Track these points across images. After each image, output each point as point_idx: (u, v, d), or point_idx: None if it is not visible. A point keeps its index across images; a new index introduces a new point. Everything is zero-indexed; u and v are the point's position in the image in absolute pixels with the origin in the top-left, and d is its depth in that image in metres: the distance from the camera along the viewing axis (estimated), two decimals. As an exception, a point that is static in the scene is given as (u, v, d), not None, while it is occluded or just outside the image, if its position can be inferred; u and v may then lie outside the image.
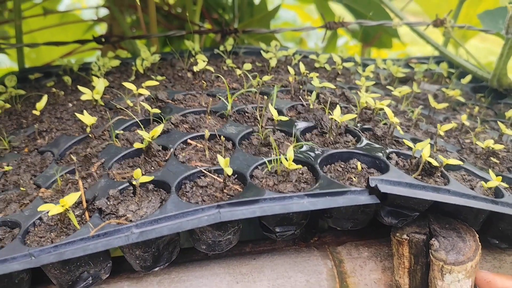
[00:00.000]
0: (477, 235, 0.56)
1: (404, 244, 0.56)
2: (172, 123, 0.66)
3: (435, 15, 1.55)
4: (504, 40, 0.91)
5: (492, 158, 0.69)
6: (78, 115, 0.63)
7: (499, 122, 0.78)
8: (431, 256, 0.54)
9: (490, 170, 0.60)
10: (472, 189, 0.59)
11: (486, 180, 0.59)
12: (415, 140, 0.68)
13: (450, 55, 1.04)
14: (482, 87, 1.04)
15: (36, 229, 0.52)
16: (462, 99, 0.89)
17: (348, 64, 0.89)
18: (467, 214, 0.58)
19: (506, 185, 0.60)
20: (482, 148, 0.68)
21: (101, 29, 2.12)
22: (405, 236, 0.56)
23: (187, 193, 0.53)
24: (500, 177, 0.58)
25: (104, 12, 2.04)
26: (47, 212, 0.53)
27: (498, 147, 0.67)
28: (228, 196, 0.52)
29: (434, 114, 0.84)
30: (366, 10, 1.40)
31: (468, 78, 0.98)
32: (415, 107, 0.85)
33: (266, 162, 0.56)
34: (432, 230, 0.57)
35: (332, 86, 0.74)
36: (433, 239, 0.55)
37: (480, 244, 0.55)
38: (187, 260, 0.61)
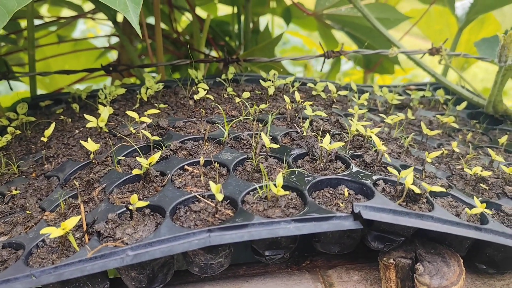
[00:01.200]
0: (462, 260, 0.58)
1: (391, 268, 0.58)
2: (171, 150, 0.69)
3: (436, 40, 1.58)
4: (498, 67, 0.94)
5: (481, 185, 0.71)
6: (83, 143, 0.67)
7: (489, 149, 0.80)
8: (415, 280, 0.56)
9: (475, 197, 0.62)
10: (458, 215, 0.61)
11: (472, 207, 0.61)
12: (405, 167, 0.70)
13: (446, 82, 1.06)
14: (478, 113, 1.06)
15: (39, 250, 0.55)
16: (456, 126, 0.92)
17: (343, 92, 0.93)
18: (452, 240, 0.60)
19: (490, 212, 0.61)
20: (471, 174, 0.70)
21: (112, 55, 2.20)
22: (391, 261, 0.58)
23: (181, 218, 0.55)
24: (485, 204, 0.60)
25: (115, 39, 2.11)
26: (49, 235, 0.56)
27: (486, 173, 0.69)
28: (220, 221, 0.54)
29: (428, 140, 0.86)
30: (367, 37, 1.44)
31: (463, 105, 1.00)
32: (409, 133, 0.88)
33: (258, 188, 0.59)
34: (417, 254, 0.59)
35: (324, 114, 0.77)
36: (418, 263, 0.57)
37: (464, 269, 0.57)
38: (182, 282, 0.64)
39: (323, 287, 0.63)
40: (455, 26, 1.39)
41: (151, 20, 1.74)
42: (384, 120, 0.84)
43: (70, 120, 0.86)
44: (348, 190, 0.60)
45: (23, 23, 1.86)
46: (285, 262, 0.67)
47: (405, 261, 0.58)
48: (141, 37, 0.78)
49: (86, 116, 0.74)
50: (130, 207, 0.53)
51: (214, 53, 1.69)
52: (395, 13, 1.43)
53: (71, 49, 1.93)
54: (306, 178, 0.62)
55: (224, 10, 1.98)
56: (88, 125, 0.73)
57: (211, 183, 0.54)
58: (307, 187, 0.59)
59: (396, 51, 1.04)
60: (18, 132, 0.84)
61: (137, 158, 0.62)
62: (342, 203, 0.58)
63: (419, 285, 0.55)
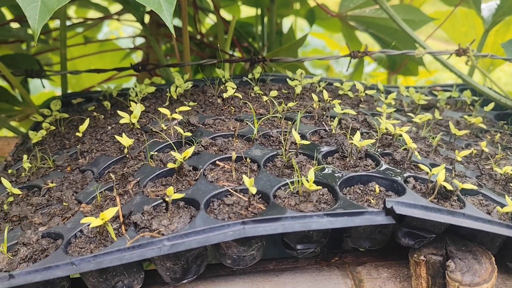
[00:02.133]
0: (493, 258, 0.58)
1: (421, 265, 0.59)
2: (202, 146, 0.71)
3: (462, 42, 1.57)
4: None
5: (511, 184, 0.71)
6: (117, 137, 0.69)
7: (519, 149, 0.79)
8: (447, 277, 0.56)
9: (506, 196, 0.62)
10: (489, 213, 0.61)
11: (502, 205, 0.61)
12: (434, 166, 0.70)
13: (473, 83, 1.06)
14: (506, 114, 1.05)
15: (77, 240, 0.57)
16: (484, 126, 0.91)
17: (371, 92, 0.93)
18: (483, 237, 0.60)
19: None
20: (501, 174, 0.70)
21: (137, 56, 2.23)
22: (422, 257, 0.58)
23: (214, 210, 0.57)
24: (517, 202, 0.60)
25: (140, 40, 2.15)
26: (87, 225, 0.58)
27: (517, 173, 0.69)
28: (252, 214, 0.55)
29: (455, 140, 0.86)
30: (392, 38, 1.44)
31: (491, 106, 0.99)
32: (436, 133, 0.87)
33: (289, 183, 0.60)
34: (448, 251, 0.59)
35: (353, 112, 0.77)
36: (449, 260, 0.57)
37: (496, 267, 0.57)
38: (213, 275, 0.65)
39: (352, 283, 0.63)
40: (481, 28, 1.37)
41: (176, 22, 1.77)
42: (412, 119, 0.84)
43: (102, 116, 0.88)
44: (379, 187, 0.60)
45: (52, 24, 1.91)
46: (314, 258, 0.68)
47: (436, 258, 0.58)
48: (173, 36, 0.80)
49: (119, 112, 0.76)
50: (166, 199, 0.55)
51: (237, 54, 1.70)
52: (420, 14, 1.42)
53: (96, 50, 1.97)
54: (336, 175, 0.62)
55: (247, 12, 2.00)
56: (121, 121, 0.75)
57: (244, 177, 0.56)
58: (338, 183, 0.60)
59: (422, 52, 1.04)
60: (53, 128, 0.86)
61: (172, 153, 0.64)
62: (373, 199, 0.59)
63: (450, 281, 0.55)
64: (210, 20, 1.91)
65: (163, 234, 0.53)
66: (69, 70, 1.08)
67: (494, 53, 1.53)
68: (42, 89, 2.18)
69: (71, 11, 2.18)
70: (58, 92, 2.12)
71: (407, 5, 1.53)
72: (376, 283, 0.64)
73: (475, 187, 0.60)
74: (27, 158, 0.79)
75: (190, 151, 0.62)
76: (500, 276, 0.65)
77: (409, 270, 0.64)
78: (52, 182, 0.72)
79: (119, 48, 1.98)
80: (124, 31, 3.13)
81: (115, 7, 2.05)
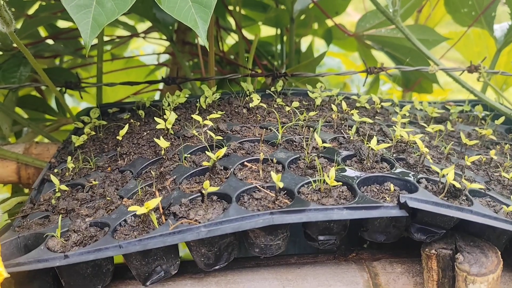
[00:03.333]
0: (499, 252, 0.63)
1: (433, 258, 0.64)
2: (231, 149, 0.78)
3: (475, 62, 1.63)
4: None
5: (518, 189, 0.76)
6: (156, 140, 0.76)
7: (526, 158, 0.84)
8: (456, 268, 0.61)
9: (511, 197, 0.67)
10: (496, 213, 0.66)
11: (508, 205, 0.66)
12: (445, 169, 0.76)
13: (484, 97, 1.11)
14: (516, 128, 1.10)
15: (122, 228, 0.64)
16: (494, 138, 0.96)
17: (386, 104, 0.99)
18: (490, 234, 0.65)
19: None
20: (508, 179, 0.75)
21: (160, 73, 2.34)
22: (433, 251, 0.64)
23: (245, 203, 0.63)
24: (522, 203, 0.65)
25: (163, 58, 2.26)
26: (131, 215, 0.65)
27: (524, 178, 0.74)
28: (279, 207, 0.62)
29: (466, 150, 0.92)
30: (406, 57, 1.50)
31: (502, 119, 1.05)
32: (448, 143, 0.93)
33: (312, 181, 0.66)
34: (457, 246, 0.64)
35: (370, 121, 0.84)
36: (458, 253, 0.63)
37: (501, 260, 0.62)
38: (240, 267, 0.71)
39: (368, 276, 0.69)
40: (494, 48, 1.43)
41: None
42: (425, 129, 0.90)
43: (138, 123, 0.96)
44: (393, 186, 0.66)
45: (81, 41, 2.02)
46: (333, 253, 0.73)
47: (446, 252, 0.63)
48: (200, 51, 0.88)
49: (155, 118, 0.84)
50: (203, 191, 0.62)
51: (258, 71, 1.79)
52: (434, 34, 1.49)
53: (121, 67, 2.07)
54: (354, 175, 0.69)
55: (265, 31, 2.09)
56: (158, 126, 0.83)
57: (272, 173, 0.62)
58: (356, 182, 0.66)
59: (436, 68, 1.10)
60: (93, 133, 0.95)
61: (206, 152, 0.71)
62: (388, 197, 0.65)
63: (459, 272, 0.61)
64: (230, 40, 2.01)
65: (199, 222, 0.59)
66: (105, 83, 1.17)
67: (508, 72, 1.58)
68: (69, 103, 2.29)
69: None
70: (82, 107, 2.23)
71: (421, 26, 1.60)
72: (390, 277, 0.69)
73: (482, 187, 0.66)
74: (71, 160, 0.87)
75: (222, 151, 0.69)
76: (507, 274, 0.70)
77: (421, 266, 0.69)
78: (94, 180, 0.80)
79: (143, 65, 2.09)
80: (144, 50, 3.26)
81: (142, 26, 2.16)
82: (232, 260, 0.66)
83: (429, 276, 0.65)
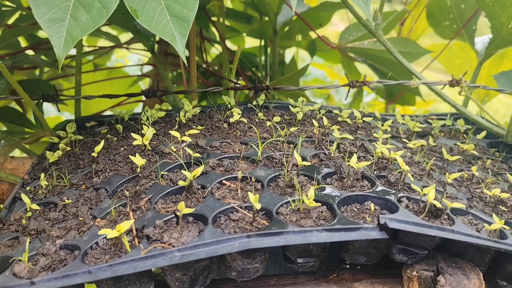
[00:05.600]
0: (481, 274, 0.62)
1: (414, 280, 0.63)
2: (210, 166, 0.76)
3: (457, 74, 1.64)
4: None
5: (500, 206, 0.75)
6: (131, 157, 0.74)
7: (508, 174, 0.84)
8: (437, 290, 0.60)
9: (494, 214, 0.66)
10: (478, 231, 0.65)
11: (491, 224, 0.66)
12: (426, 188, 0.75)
13: (466, 112, 1.11)
14: (498, 142, 1.10)
15: (93, 251, 0.61)
16: (476, 153, 0.96)
17: (368, 119, 0.98)
18: (473, 254, 0.64)
19: (509, 228, 0.65)
20: (490, 196, 0.74)
21: (144, 83, 2.31)
22: (414, 273, 0.63)
23: (221, 225, 0.61)
24: (503, 220, 0.64)
25: (147, 68, 2.23)
26: (103, 238, 0.62)
27: (505, 195, 0.74)
28: (257, 229, 0.60)
29: (448, 166, 0.91)
30: (389, 69, 1.51)
31: (483, 134, 1.05)
32: (430, 159, 0.92)
33: (290, 201, 0.64)
34: (439, 268, 0.63)
35: (351, 137, 0.83)
36: (439, 276, 0.61)
37: (484, 282, 0.61)
38: (217, 289, 0.69)
39: (349, 298, 0.67)
40: (475, 60, 1.44)
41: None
42: (407, 145, 0.89)
43: (115, 139, 0.93)
44: (374, 206, 0.65)
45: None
46: (313, 274, 0.72)
47: (428, 274, 0.62)
48: (185, 64, 0.86)
49: (132, 134, 0.82)
50: (177, 213, 0.60)
51: (241, 83, 1.77)
52: (416, 47, 1.50)
53: (105, 77, 2.04)
54: (334, 194, 0.67)
55: (249, 43, 2.08)
56: (134, 142, 0.80)
57: (249, 193, 0.60)
58: (336, 202, 0.65)
59: (417, 82, 1.10)
60: (68, 148, 0.92)
61: (182, 171, 0.69)
62: (368, 217, 0.63)
63: (441, 295, 0.59)
64: (215, 50, 1.99)
65: (173, 246, 0.57)
66: (83, 95, 1.14)
67: (489, 85, 1.60)
68: (48, 114, 2.25)
69: (83, 39, 2.27)
70: (64, 117, 2.19)
71: (404, 38, 1.61)
72: (372, 298, 0.68)
73: (463, 206, 0.65)
74: (44, 177, 0.84)
75: (199, 170, 0.67)
76: (490, 294, 0.69)
77: (403, 286, 0.67)
78: (68, 199, 0.77)
79: (127, 75, 2.06)
80: (130, 59, 3.23)
81: (125, 36, 2.14)
82: (210, 281, 0.64)
83: (410, 298, 0.63)
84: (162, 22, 0.77)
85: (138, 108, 2.15)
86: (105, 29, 1.86)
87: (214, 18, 1.63)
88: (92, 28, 0.74)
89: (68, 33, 0.72)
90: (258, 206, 0.59)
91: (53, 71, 1.83)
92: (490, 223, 0.66)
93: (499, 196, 0.73)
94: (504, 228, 0.64)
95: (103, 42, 2.11)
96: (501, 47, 1.36)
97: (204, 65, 1.78)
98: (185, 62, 0.75)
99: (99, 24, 0.74)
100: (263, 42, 1.75)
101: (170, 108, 1.42)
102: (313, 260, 0.62)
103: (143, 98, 1.70)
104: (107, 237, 0.58)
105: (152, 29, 0.76)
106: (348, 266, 0.77)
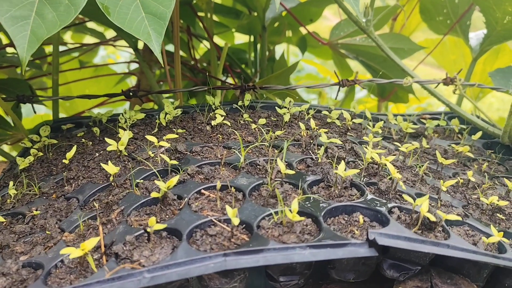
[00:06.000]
0: (479, 291, 0.57)
1: (406, 298, 0.58)
2: (188, 174, 0.71)
3: (451, 70, 1.59)
4: (513, 98, 0.95)
5: (498, 214, 0.71)
6: (103, 165, 0.69)
7: (505, 179, 0.79)
8: (431, 310, 0.55)
9: (492, 226, 0.62)
10: (475, 244, 0.61)
11: (489, 236, 0.61)
12: (420, 195, 0.70)
13: (460, 111, 1.07)
14: (494, 143, 1.06)
15: (57, 271, 0.56)
16: (471, 155, 0.92)
17: (358, 120, 0.94)
18: (470, 269, 0.59)
19: (508, 241, 0.61)
20: (487, 204, 0.70)
21: (131, 81, 2.25)
22: (407, 290, 0.58)
23: (197, 241, 0.56)
24: (502, 233, 0.60)
25: (135, 65, 2.17)
26: (69, 255, 0.57)
27: (503, 203, 0.69)
28: (235, 245, 0.55)
29: (443, 169, 0.86)
30: (382, 66, 1.46)
31: (479, 134, 1.00)
32: (424, 162, 0.88)
33: (273, 213, 0.59)
34: (433, 284, 0.58)
35: (339, 142, 0.78)
36: (434, 293, 0.57)
37: (481, 300, 0.56)
38: (196, 307, 0.64)
39: (337, 315, 0.63)
40: (470, 56, 1.40)
41: (170, 47, 1.79)
42: (399, 149, 0.85)
43: (91, 143, 0.88)
44: (363, 217, 0.60)
45: (47, 49, 1.93)
46: (299, 288, 0.67)
47: (421, 291, 0.58)
48: (162, 65, 0.81)
49: (106, 139, 0.76)
50: (148, 230, 0.55)
51: (230, 80, 1.72)
52: (409, 43, 1.45)
53: (92, 75, 1.98)
54: (321, 205, 0.62)
55: (240, 38, 2.03)
56: (108, 148, 0.75)
57: (227, 207, 0.55)
58: (322, 214, 0.60)
59: (410, 81, 1.05)
60: (40, 154, 0.86)
61: (156, 182, 0.64)
62: (357, 230, 0.58)
63: (435, 315, 0.55)
64: (204, 46, 1.94)
65: (143, 266, 0.52)
66: (61, 96, 1.09)
67: (484, 81, 1.55)
68: (39, 111, 2.18)
69: (67, 36, 2.20)
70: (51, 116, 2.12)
71: (396, 34, 1.56)
72: (362, 315, 0.63)
73: (459, 218, 0.60)
74: (13, 185, 0.78)
75: (174, 180, 0.62)
76: (487, 309, 0.64)
77: (395, 302, 0.63)
78: (36, 210, 0.71)
79: (114, 73, 2.00)
80: (121, 55, 3.16)
81: (111, 33, 2.08)
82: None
83: (402, 316, 0.59)
84: (137, 20, 0.71)
85: (126, 106, 2.09)
86: (91, 25, 1.80)
87: (201, 14, 1.57)
88: (59, 26, 0.68)
89: (32, 32, 0.66)
90: (236, 221, 0.54)
91: (36, 69, 1.77)
92: (487, 234, 0.62)
93: (497, 204, 0.69)
94: (503, 241, 0.60)
95: (89, 39, 2.04)
96: (496, 43, 1.31)
97: (192, 62, 1.72)
98: (161, 61, 0.69)
99: (67, 22, 0.69)
100: (252, 38, 1.70)
101: (156, 107, 1.37)
102: (297, 278, 0.57)
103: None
104: (70, 257, 0.53)
105: (125, 27, 0.71)
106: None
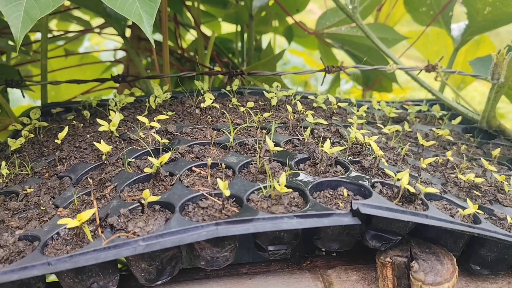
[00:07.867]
0: (455, 259, 0.61)
1: (388, 267, 0.61)
2: (179, 153, 0.73)
3: (434, 61, 1.63)
4: (491, 85, 0.99)
5: (474, 191, 0.75)
6: (96, 144, 0.70)
7: (482, 159, 0.83)
8: (411, 277, 0.59)
9: (468, 199, 0.66)
10: (452, 216, 0.64)
11: (465, 209, 0.65)
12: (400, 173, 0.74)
13: (441, 97, 1.11)
14: (472, 128, 1.10)
15: (53, 242, 0.58)
16: (451, 139, 0.96)
17: (343, 104, 0.97)
18: (447, 239, 0.63)
19: (482, 213, 0.65)
20: (464, 181, 0.74)
21: (117, 70, 2.25)
22: (388, 259, 0.61)
23: (189, 213, 0.59)
24: (477, 205, 0.64)
25: (121, 54, 2.17)
26: (64, 228, 0.59)
27: (479, 180, 0.73)
28: (226, 216, 0.57)
29: (423, 151, 0.90)
30: (366, 55, 1.49)
31: (458, 119, 1.04)
32: (406, 144, 0.91)
33: (262, 187, 0.62)
34: (413, 253, 0.62)
35: (325, 122, 0.81)
36: (413, 261, 0.60)
37: (457, 267, 0.60)
38: (188, 279, 0.66)
39: (322, 286, 0.66)
40: (452, 47, 1.44)
41: (157, 37, 1.79)
42: (382, 130, 0.88)
43: (81, 125, 0.89)
44: (347, 191, 0.63)
45: (33, 36, 1.91)
46: (286, 262, 0.70)
47: (401, 260, 0.61)
48: (154, 48, 0.83)
49: (98, 120, 0.78)
50: (142, 202, 0.57)
51: (217, 69, 1.74)
52: (393, 33, 1.49)
53: (77, 63, 1.98)
54: (307, 180, 0.65)
55: (227, 28, 2.04)
56: (100, 129, 0.77)
57: (218, 180, 0.58)
58: (309, 188, 0.63)
59: (394, 67, 1.08)
60: (31, 135, 0.87)
61: (149, 158, 0.66)
62: (341, 202, 0.61)
63: (414, 281, 0.58)
64: (191, 36, 1.95)
65: (138, 235, 0.54)
66: (50, 81, 1.09)
67: (465, 71, 1.60)
68: (20, 102, 2.17)
69: (53, 24, 2.19)
70: (37, 105, 2.11)
71: (381, 24, 1.59)
72: (346, 286, 0.66)
73: (437, 191, 0.64)
74: (5, 165, 0.80)
75: (166, 156, 0.64)
76: (463, 279, 0.68)
77: (376, 273, 0.66)
78: (30, 188, 0.73)
79: (99, 61, 2.00)
80: (105, 46, 3.14)
81: (97, 21, 2.07)
82: (180, 271, 0.62)
83: (384, 284, 0.62)
84: (128, 2, 0.73)
85: (111, 96, 2.10)
86: (77, 13, 1.80)
87: (189, 3, 1.58)
88: (53, 7, 0.69)
89: (26, 12, 0.68)
90: (227, 193, 0.56)
91: (21, 56, 1.76)
92: (464, 208, 0.66)
93: (473, 181, 0.73)
94: (478, 213, 0.64)
95: (75, 27, 2.04)
96: (477, 33, 1.36)
97: (179, 51, 1.73)
98: (152, 42, 0.71)
99: (60, 2, 0.70)
100: (239, 28, 1.71)
101: (143, 94, 1.38)
102: (285, 248, 0.60)
103: (118, 84, 1.66)
104: (68, 227, 0.55)
105: (117, 9, 0.72)
106: (324, 253, 0.76)
